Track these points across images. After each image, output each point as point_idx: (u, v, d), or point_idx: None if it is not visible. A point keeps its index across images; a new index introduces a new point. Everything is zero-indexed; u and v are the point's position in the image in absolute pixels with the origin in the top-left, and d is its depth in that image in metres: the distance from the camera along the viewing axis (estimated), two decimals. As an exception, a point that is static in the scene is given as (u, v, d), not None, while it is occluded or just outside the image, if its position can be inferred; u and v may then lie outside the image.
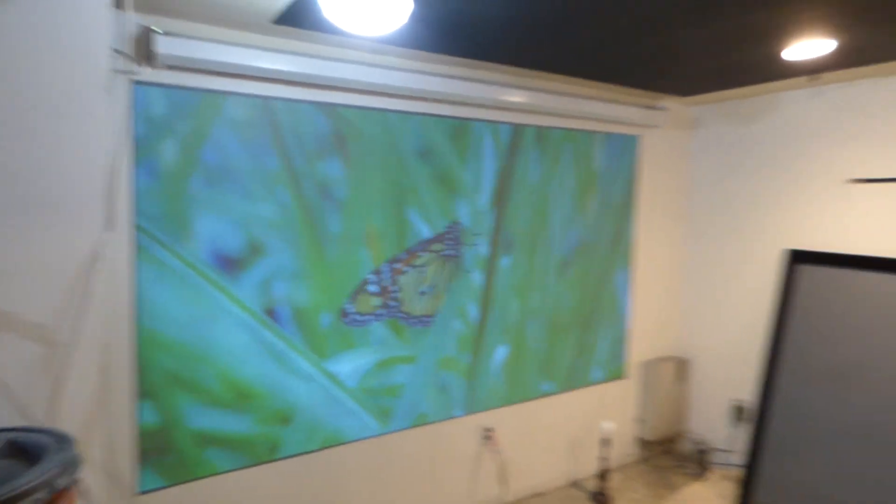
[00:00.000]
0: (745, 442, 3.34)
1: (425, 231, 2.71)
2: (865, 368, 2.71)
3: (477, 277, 2.89)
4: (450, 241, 2.78)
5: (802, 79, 2.82)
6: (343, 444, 2.55)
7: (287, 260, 2.37)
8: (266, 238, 2.32)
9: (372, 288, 2.58)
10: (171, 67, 2.04)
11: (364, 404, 2.60)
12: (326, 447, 2.51)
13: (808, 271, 3.03)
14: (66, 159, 1.42)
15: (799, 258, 3.08)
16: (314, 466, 2.48)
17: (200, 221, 2.18)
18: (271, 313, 2.35)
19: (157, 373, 2.13)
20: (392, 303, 2.65)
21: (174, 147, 2.10)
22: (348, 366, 2.54)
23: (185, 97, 2.10)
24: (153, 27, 1.95)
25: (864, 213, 2.87)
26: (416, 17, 1.95)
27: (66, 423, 1.45)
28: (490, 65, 2.64)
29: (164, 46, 1.95)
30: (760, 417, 3.06)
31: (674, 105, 3.55)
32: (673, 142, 3.64)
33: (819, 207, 3.06)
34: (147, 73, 1.99)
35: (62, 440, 1.24)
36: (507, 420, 3.04)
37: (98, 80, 1.46)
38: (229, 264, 2.25)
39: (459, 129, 2.75)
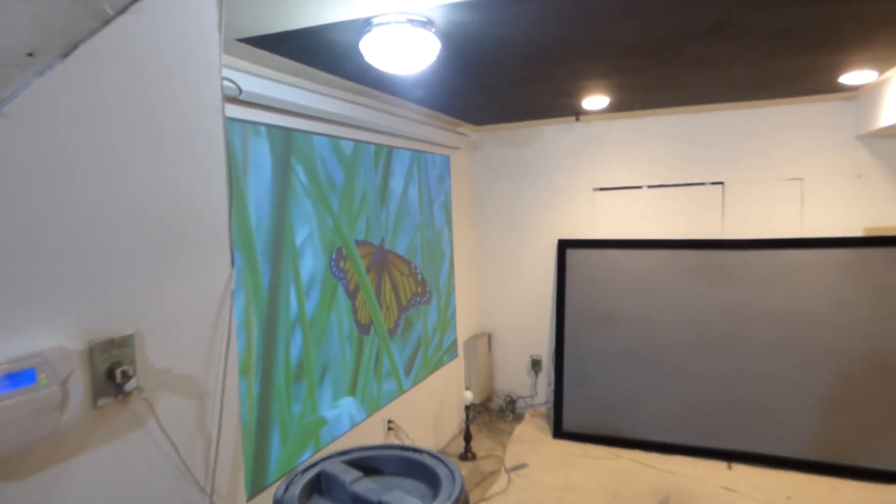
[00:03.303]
0: (548, 383, 4.47)
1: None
2: (617, 312, 4.07)
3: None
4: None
5: (571, 118, 4.03)
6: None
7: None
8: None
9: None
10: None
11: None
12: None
13: (573, 253, 4.29)
14: (194, 190, 1.30)
15: (567, 245, 4.31)
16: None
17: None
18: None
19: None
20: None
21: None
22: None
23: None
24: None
25: (605, 210, 4.25)
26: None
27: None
28: (366, 89, 2.93)
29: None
30: (558, 361, 4.19)
31: (466, 131, 4.42)
32: (464, 160, 4.51)
33: (575, 208, 4.35)
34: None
35: (452, 471, 1.37)
36: (400, 410, 3.39)
37: (214, 104, 1.36)
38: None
39: (356, 149, 2.98)
